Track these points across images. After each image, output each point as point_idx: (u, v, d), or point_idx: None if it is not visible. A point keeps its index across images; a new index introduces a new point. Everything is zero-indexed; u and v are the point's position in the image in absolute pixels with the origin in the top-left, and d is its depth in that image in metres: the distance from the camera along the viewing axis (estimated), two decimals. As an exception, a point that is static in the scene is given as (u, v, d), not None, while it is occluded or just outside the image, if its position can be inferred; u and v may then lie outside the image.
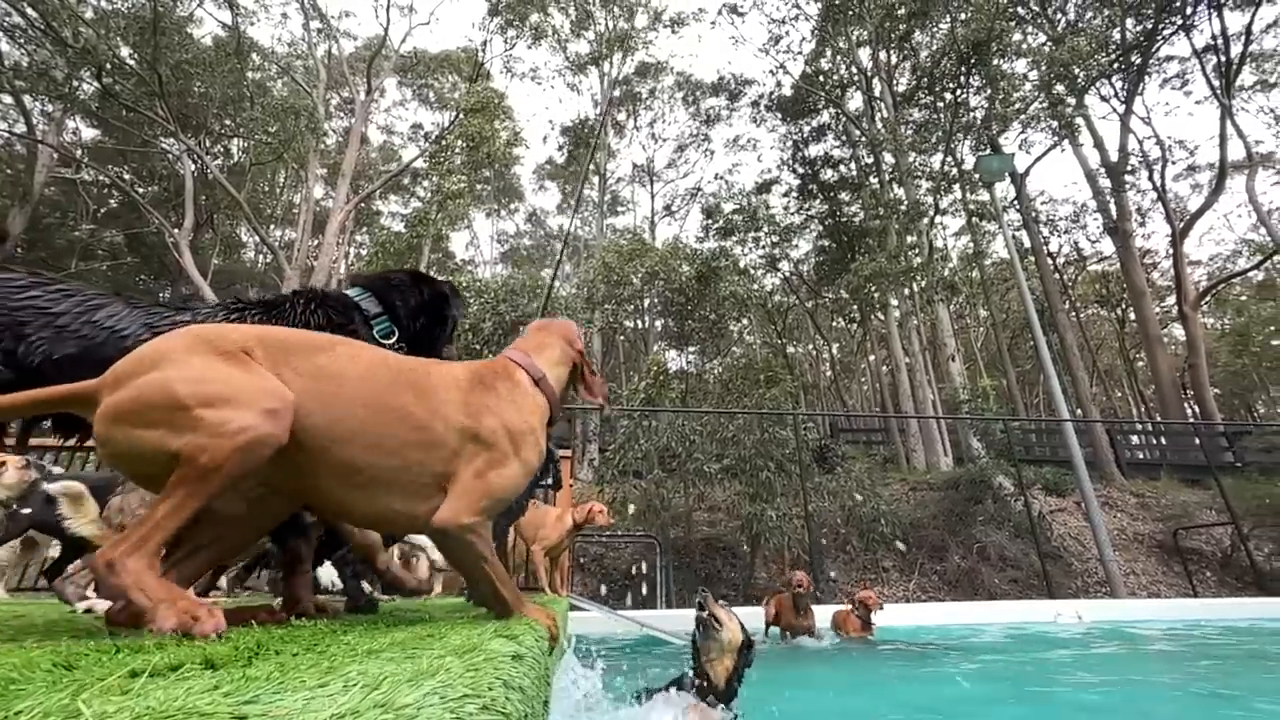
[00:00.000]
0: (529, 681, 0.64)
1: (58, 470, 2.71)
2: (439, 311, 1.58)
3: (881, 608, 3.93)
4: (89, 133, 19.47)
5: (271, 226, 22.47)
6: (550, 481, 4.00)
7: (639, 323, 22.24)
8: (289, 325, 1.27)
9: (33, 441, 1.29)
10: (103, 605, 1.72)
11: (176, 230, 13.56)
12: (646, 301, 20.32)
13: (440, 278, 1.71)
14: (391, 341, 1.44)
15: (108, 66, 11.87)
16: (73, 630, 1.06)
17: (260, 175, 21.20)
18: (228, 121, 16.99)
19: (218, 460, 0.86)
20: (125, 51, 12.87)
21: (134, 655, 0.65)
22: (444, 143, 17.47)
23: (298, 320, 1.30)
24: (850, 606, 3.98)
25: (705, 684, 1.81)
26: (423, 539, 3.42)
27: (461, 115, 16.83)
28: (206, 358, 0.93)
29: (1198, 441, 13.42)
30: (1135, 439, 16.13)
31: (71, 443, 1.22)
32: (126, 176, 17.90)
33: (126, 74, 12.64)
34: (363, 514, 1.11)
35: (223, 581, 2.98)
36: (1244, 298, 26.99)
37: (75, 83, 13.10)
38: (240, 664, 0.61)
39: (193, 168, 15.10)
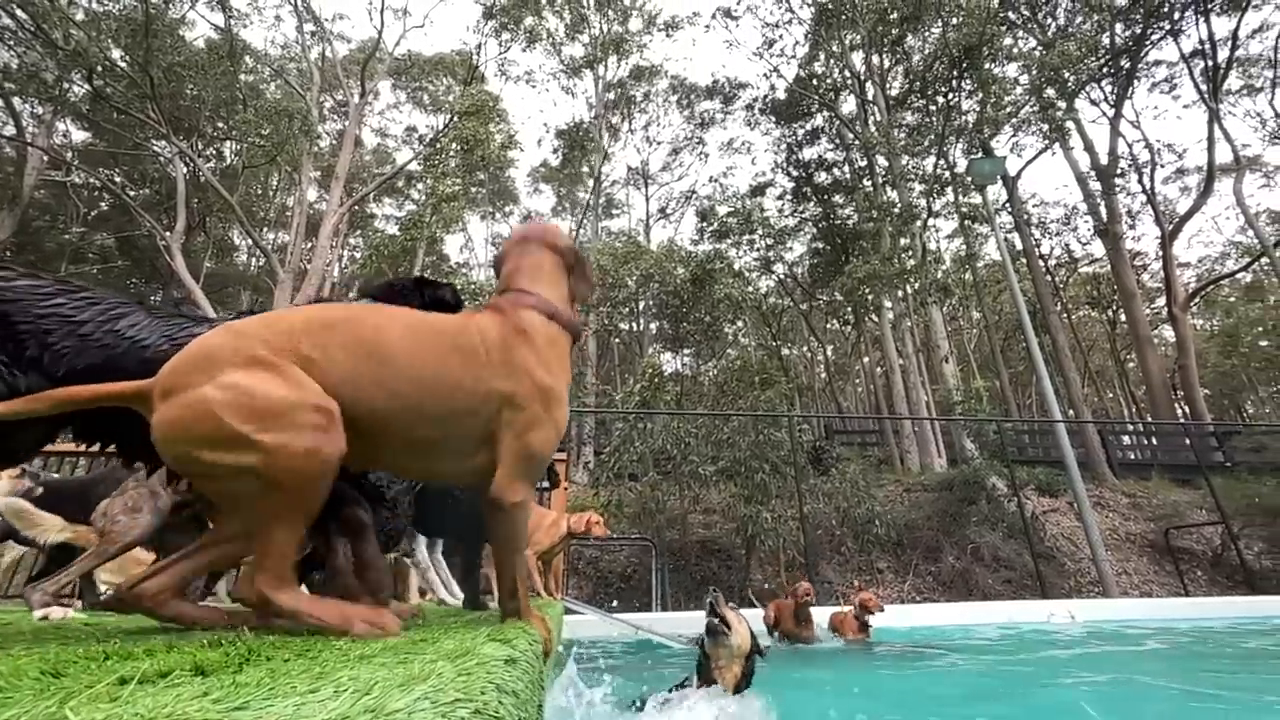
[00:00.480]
0: (523, 685, 0.64)
1: (56, 476, 2.69)
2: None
3: (882, 609, 3.93)
4: (79, 135, 19.33)
5: (264, 229, 22.34)
6: (547, 484, 4.00)
7: (634, 325, 22.24)
8: None
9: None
10: (58, 613, 1.71)
11: (168, 233, 13.47)
12: (641, 304, 20.33)
13: (443, 281, 1.72)
14: None
15: (99, 69, 11.80)
16: (61, 637, 1.05)
17: (253, 178, 21.10)
18: (220, 124, 16.90)
19: (299, 482, 0.91)
20: (116, 54, 12.79)
21: (123, 662, 0.65)
22: (438, 145, 17.44)
23: None
24: (850, 608, 3.98)
25: (712, 686, 1.79)
26: (420, 555, 3.40)
27: (456, 118, 16.82)
28: (247, 372, 0.94)
29: (1188, 441, 13.53)
30: (1127, 439, 16.26)
31: (95, 449, 1.24)
32: (117, 179, 17.77)
33: (118, 76, 12.56)
34: (412, 474, 1.19)
35: (221, 587, 2.96)
36: (1232, 299, 27.30)
37: (66, 85, 13.01)
38: (231, 670, 0.61)
39: (185, 170, 15.00)
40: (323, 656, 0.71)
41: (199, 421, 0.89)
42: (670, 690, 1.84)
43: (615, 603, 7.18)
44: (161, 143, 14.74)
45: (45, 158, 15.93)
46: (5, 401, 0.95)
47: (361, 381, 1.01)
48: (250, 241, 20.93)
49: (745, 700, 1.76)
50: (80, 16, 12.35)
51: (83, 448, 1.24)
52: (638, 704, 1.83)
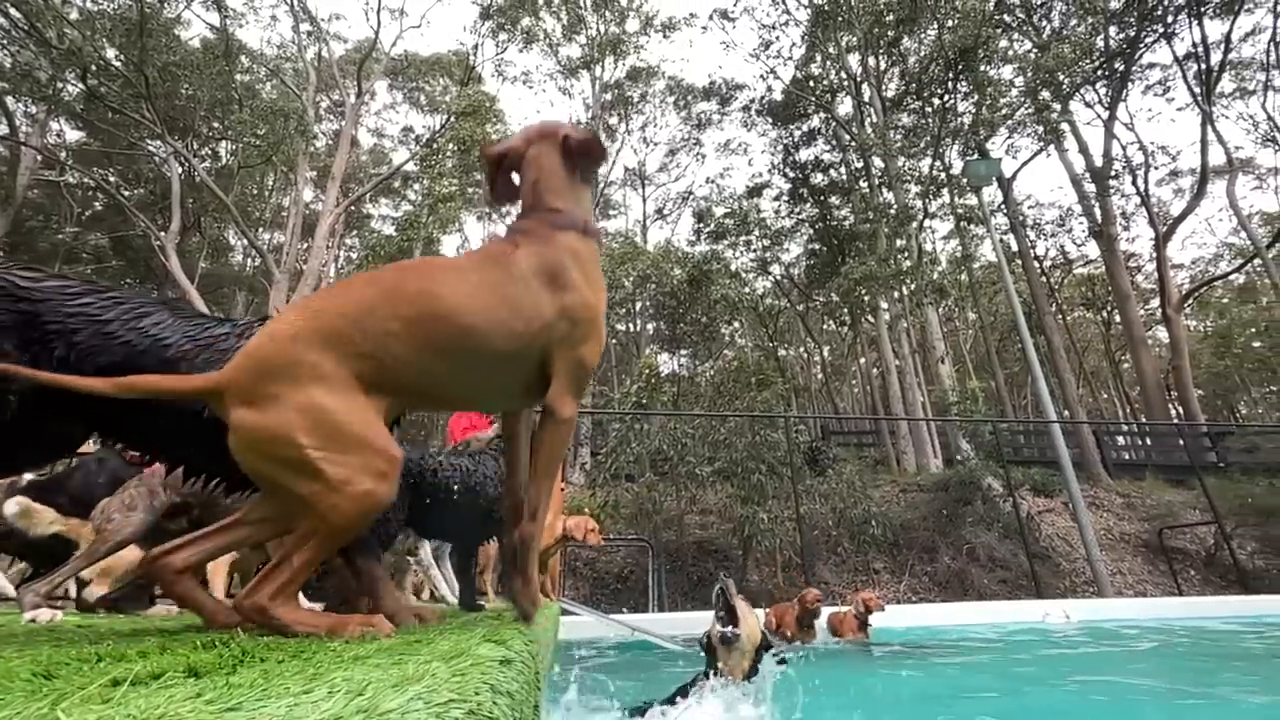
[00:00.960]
0: (518, 686, 0.64)
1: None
2: None
3: (882, 608, 3.93)
4: (73, 134, 19.22)
5: (260, 230, 22.26)
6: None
7: (631, 326, 22.25)
8: None
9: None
10: (46, 615, 1.71)
11: (163, 233, 13.40)
12: (638, 305, 20.34)
13: None
14: None
15: (93, 68, 11.73)
16: (54, 639, 1.04)
17: (249, 178, 21.02)
18: (215, 124, 16.84)
19: (345, 522, 0.95)
20: (111, 53, 12.72)
21: (116, 664, 0.64)
22: (435, 146, 17.41)
23: None
24: (848, 609, 3.98)
25: (720, 681, 1.77)
26: (424, 554, 3.39)
27: (453, 118, 16.79)
28: (327, 392, 0.96)
29: (1182, 442, 13.60)
30: (1121, 440, 16.34)
31: (118, 447, 1.28)
32: (112, 179, 17.68)
33: (112, 76, 12.50)
34: (460, 408, 1.27)
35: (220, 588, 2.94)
36: (1225, 300, 27.48)
37: (59, 84, 12.94)
38: (224, 672, 0.61)
39: (180, 170, 14.93)
40: (317, 658, 0.71)
41: (278, 443, 0.93)
42: (674, 699, 1.81)
43: (618, 605, 7.18)
44: (156, 142, 14.67)
45: (39, 157, 15.84)
46: (75, 377, 0.98)
47: (417, 356, 1.05)
48: (246, 242, 20.85)
49: (754, 687, 1.76)
50: (74, 15, 12.27)
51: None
52: (640, 706, 1.81)
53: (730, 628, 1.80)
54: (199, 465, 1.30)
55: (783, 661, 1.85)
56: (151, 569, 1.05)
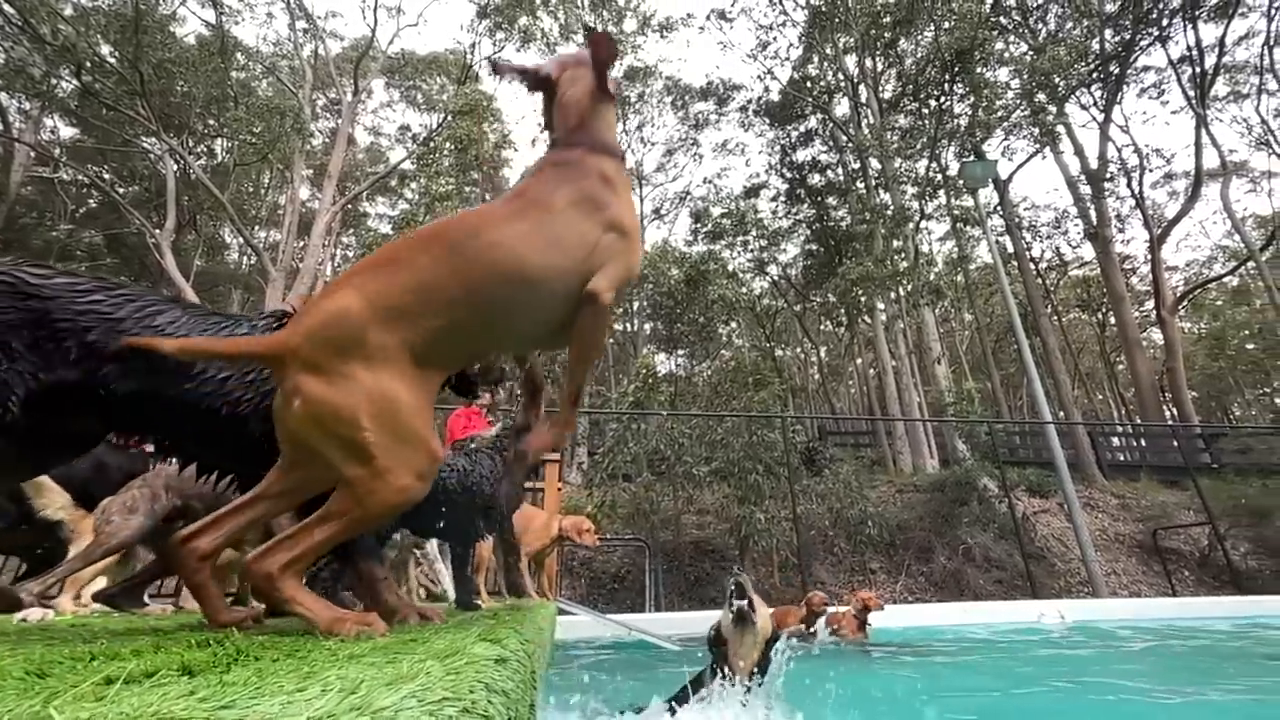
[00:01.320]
0: (513, 685, 0.64)
1: None
2: None
3: (882, 608, 3.95)
4: (67, 131, 19.11)
5: (256, 228, 22.18)
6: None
7: (628, 326, 22.24)
8: None
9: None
10: (37, 614, 1.70)
11: (158, 231, 13.34)
12: (636, 305, 20.34)
13: None
14: None
15: (87, 64, 11.67)
16: (46, 639, 1.03)
17: (244, 176, 20.92)
18: (211, 121, 16.76)
19: (379, 511, 0.96)
20: (105, 49, 12.66)
21: (109, 663, 0.64)
22: (432, 144, 17.37)
23: None
24: (848, 608, 4.00)
25: (728, 678, 1.73)
26: (430, 548, 3.38)
27: (450, 117, 16.76)
28: (394, 378, 0.97)
29: (1176, 443, 13.67)
30: (1116, 441, 16.42)
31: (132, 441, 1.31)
32: (106, 176, 17.58)
33: (107, 72, 12.43)
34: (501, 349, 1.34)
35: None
36: (1219, 302, 27.63)
37: (54, 80, 12.86)
38: (218, 670, 0.61)
39: (175, 168, 14.87)
40: (311, 656, 0.71)
41: (340, 421, 0.93)
42: (677, 699, 1.77)
43: (615, 605, 7.18)
44: (151, 139, 14.59)
45: (32, 154, 15.75)
46: (137, 339, 1.00)
47: (477, 319, 1.06)
48: (241, 240, 20.76)
49: (763, 690, 1.73)
50: (69, 11, 12.21)
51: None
52: (641, 706, 1.78)
53: (748, 604, 1.77)
54: (214, 464, 1.30)
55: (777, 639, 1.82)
56: (177, 553, 1.05)
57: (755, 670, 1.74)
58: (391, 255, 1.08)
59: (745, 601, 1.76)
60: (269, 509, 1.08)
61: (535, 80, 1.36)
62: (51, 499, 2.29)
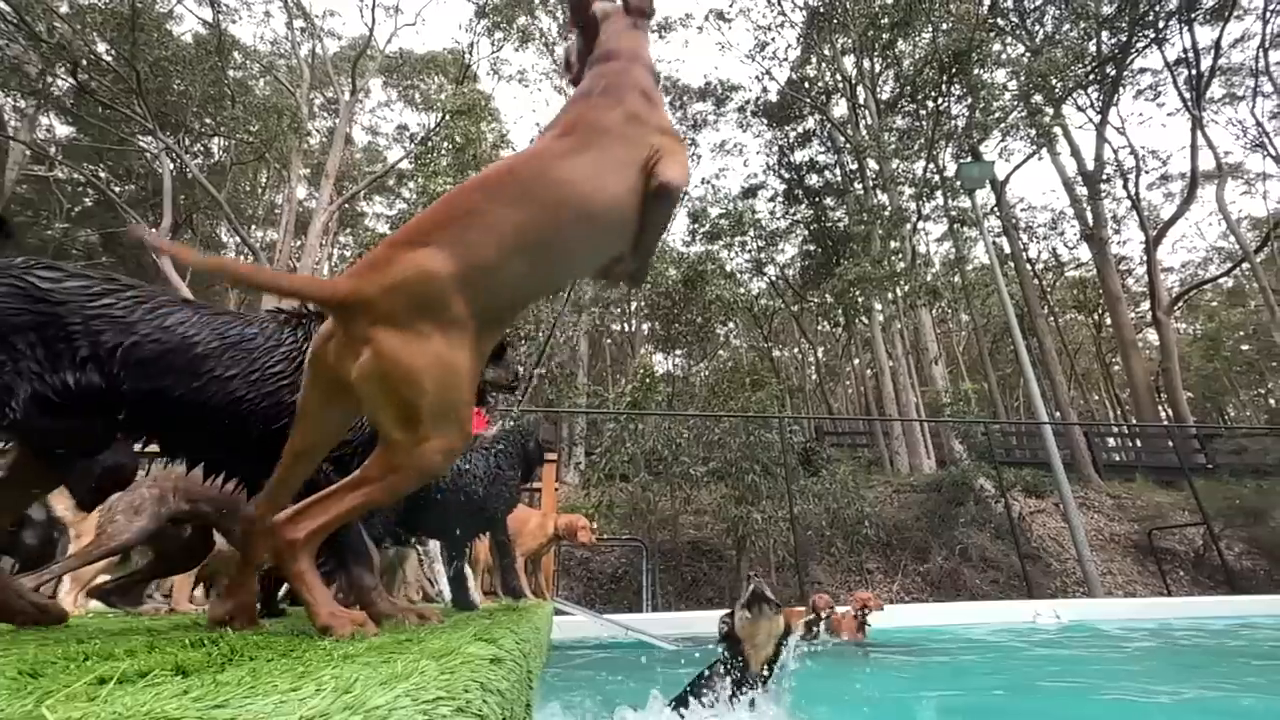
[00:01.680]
0: (508, 685, 0.64)
1: None
2: None
3: (881, 608, 3.96)
4: (63, 129, 19.01)
5: (253, 227, 22.10)
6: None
7: (626, 326, 22.24)
8: None
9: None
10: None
11: (154, 230, 13.28)
12: (633, 305, 20.35)
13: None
14: None
15: (83, 62, 11.63)
16: (39, 638, 1.03)
17: (241, 175, 20.87)
18: (208, 120, 16.71)
19: (410, 481, 0.95)
20: (102, 47, 12.61)
21: (102, 662, 0.64)
22: (430, 144, 17.34)
23: None
24: (847, 609, 4.01)
25: (742, 672, 1.72)
26: (433, 547, 3.38)
27: (448, 117, 16.73)
28: (463, 344, 0.95)
29: (1171, 444, 13.73)
30: (1111, 441, 16.48)
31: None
32: (102, 175, 17.48)
33: (103, 70, 12.39)
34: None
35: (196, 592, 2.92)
36: (1215, 304, 27.78)
37: (49, 79, 12.81)
38: (212, 670, 0.61)
39: (171, 166, 14.80)
40: (306, 657, 0.71)
41: (408, 382, 0.90)
42: (680, 700, 1.74)
43: (612, 605, 7.18)
44: (147, 138, 14.53)
45: (27, 152, 15.67)
46: (189, 248, 0.96)
47: (555, 266, 1.06)
48: (238, 239, 20.67)
49: (774, 693, 1.73)
50: (64, 9, 12.16)
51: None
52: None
53: (767, 596, 1.76)
54: (226, 467, 1.29)
55: (790, 633, 1.83)
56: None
57: (766, 664, 1.74)
58: (468, 205, 1.00)
59: (763, 593, 1.76)
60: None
61: (581, 8, 1.37)
62: (59, 499, 2.29)
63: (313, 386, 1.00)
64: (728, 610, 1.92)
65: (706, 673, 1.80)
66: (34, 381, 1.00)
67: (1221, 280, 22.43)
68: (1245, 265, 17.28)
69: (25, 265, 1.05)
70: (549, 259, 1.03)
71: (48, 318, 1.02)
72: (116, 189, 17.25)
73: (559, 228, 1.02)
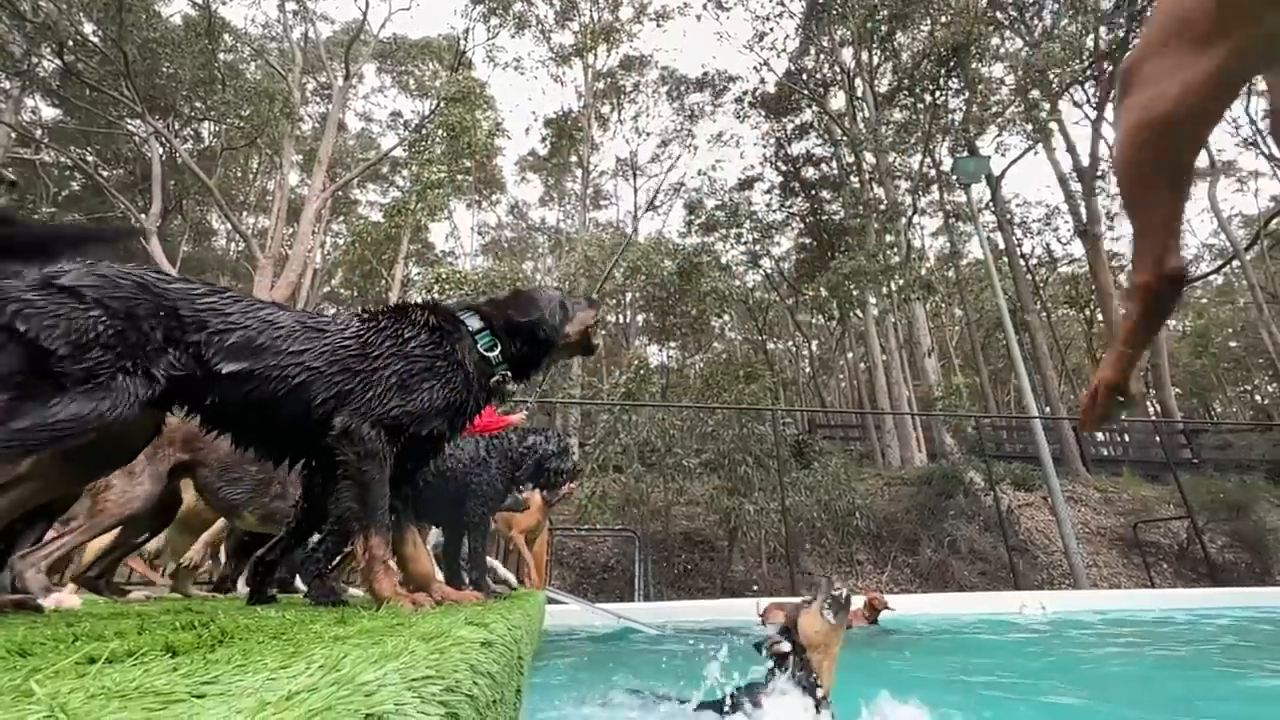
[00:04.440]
0: (498, 668, 0.64)
1: None
2: (532, 324, 1.65)
3: (890, 608, 4.07)
4: (49, 112, 18.66)
5: (244, 214, 21.85)
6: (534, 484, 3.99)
7: (620, 317, 22.21)
8: (414, 330, 1.47)
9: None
10: (61, 601, 1.69)
11: (143, 216, 13.12)
12: (628, 296, 20.31)
13: (541, 287, 1.75)
14: (495, 354, 1.57)
15: (70, 43, 11.40)
16: (29, 620, 1.03)
17: (232, 160, 20.60)
18: (198, 104, 16.45)
19: None
20: (88, 28, 12.36)
21: (92, 643, 0.64)
22: (424, 131, 17.16)
23: (418, 324, 1.51)
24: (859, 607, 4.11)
25: (810, 681, 1.54)
26: (434, 535, 3.38)
27: (442, 104, 16.54)
28: None
29: (1158, 439, 13.90)
30: (1100, 436, 16.63)
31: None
32: (90, 159, 17.21)
33: (90, 52, 12.16)
34: None
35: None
36: (1204, 301, 28.03)
37: (34, 59, 12.55)
38: (203, 650, 0.61)
39: (160, 151, 14.60)
40: (297, 639, 0.71)
41: None
42: (728, 705, 1.57)
43: (604, 595, 7.22)
44: (136, 122, 14.30)
45: (13, 134, 15.38)
46: None
47: None
48: (229, 226, 20.46)
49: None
50: (50, -12, 11.89)
51: None
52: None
53: (845, 596, 1.57)
54: (290, 451, 1.46)
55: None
56: None
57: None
58: None
59: (843, 592, 1.55)
60: None
61: None
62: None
63: None
64: (773, 602, 1.75)
65: (764, 681, 1.60)
66: (157, 358, 1.17)
67: (1211, 277, 22.62)
68: (1235, 262, 17.43)
69: (143, 269, 1.24)
70: None
71: (169, 310, 1.21)
72: (104, 173, 16.98)
73: None
